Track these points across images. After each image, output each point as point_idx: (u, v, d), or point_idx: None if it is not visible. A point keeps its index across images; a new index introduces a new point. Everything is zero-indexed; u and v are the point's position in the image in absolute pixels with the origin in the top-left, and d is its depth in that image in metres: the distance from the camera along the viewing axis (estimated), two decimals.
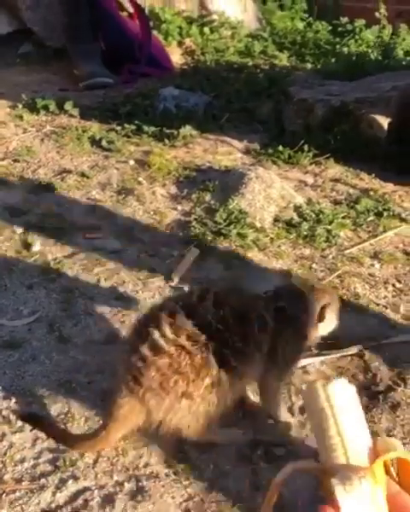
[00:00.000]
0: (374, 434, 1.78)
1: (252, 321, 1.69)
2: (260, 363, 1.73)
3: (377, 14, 5.02)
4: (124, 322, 2.19)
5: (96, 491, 1.64)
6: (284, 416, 1.86)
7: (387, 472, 0.81)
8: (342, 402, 0.81)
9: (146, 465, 1.71)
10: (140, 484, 1.66)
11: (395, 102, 3.61)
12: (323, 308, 1.80)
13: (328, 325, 1.84)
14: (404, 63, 4.44)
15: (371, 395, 1.98)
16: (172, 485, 1.67)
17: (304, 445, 1.80)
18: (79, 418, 1.83)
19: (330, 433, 0.80)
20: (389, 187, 3.25)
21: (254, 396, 1.91)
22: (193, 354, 1.63)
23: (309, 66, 4.92)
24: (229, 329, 1.65)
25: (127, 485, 1.66)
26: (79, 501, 1.61)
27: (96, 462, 1.71)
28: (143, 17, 4.58)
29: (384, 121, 3.59)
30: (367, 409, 1.92)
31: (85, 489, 1.64)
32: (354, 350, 2.14)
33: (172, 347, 1.63)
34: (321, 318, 1.80)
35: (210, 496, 1.64)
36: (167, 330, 1.64)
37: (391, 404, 1.94)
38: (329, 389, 0.82)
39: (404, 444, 1.81)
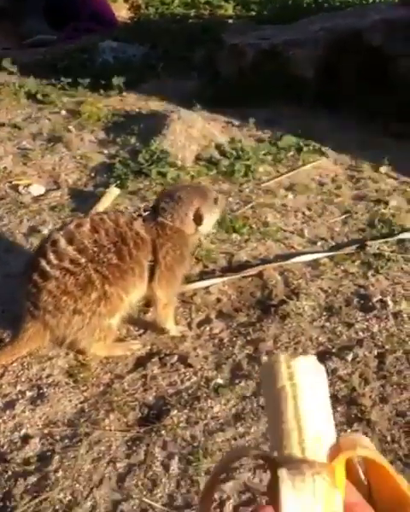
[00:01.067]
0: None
1: (127, 239, 1.85)
2: (142, 277, 1.89)
3: None
4: None
5: None
6: (176, 329, 2.02)
7: (349, 475, 0.68)
8: (307, 382, 0.68)
9: (48, 376, 1.89)
10: (41, 391, 1.84)
11: (324, 43, 3.69)
12: (197, 211, 1.94)
13: (207, 225, 2.00)
14: (338, 3, 4.50)
15: (265, 308, 2.14)
16: (71, 391, 1.84)
17: (195, 354, 1.97)
18: None
19: (286, 416, 0.67)
20: (315, 124, 3.36)
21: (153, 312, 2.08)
22: (76, 274, 1.80)
23: (254, 14, 4.97)
24: (104, 250, 1.82)
25: (29, 393, 1.83)
26: None
27: (2, 375, 1.89)
28: None
29: (312, 61, 3.68)
30: (259, 319, 2.09)
31: None
32: (254, 271, 2.30)
33: (57, 271, 1.81)
34: (198, 221, 1.95)
35: (104, 397, 1.82)
36: (52, 257, 1.81)
37: (281, 314, 2.10)
38: (294, 365, 0.69)
39: (287, 347, 1.98)
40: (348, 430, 1.73)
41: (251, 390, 1.84)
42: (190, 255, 2.07)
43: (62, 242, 1.83)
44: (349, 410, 1.78)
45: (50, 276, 1.82)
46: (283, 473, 0.61)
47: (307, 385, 0.67)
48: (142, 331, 2.05)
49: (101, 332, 1.87)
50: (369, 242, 2.43)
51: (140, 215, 1.92)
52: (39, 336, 1.90)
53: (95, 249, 1.83)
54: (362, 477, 0.68)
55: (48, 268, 1.82)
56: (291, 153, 3.08)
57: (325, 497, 0.61)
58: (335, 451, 0.65)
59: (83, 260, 1.82)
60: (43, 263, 1.83)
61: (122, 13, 5.09)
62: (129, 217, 1.93)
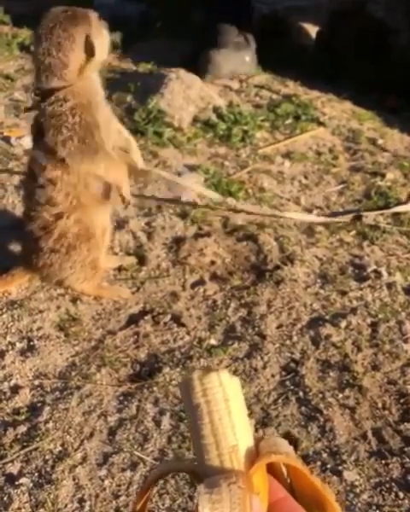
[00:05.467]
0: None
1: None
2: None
3: None
4: None
5: None
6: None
7: (275, 474, 0.74)
8: (220, 397, 0.72)
9: (39, 328, 1.85)
10: (31, 343, 1.81)
11: (326, 10, 3.64)
12: (87, 40, 1.66)
13: (101, 52, 1.70)
14: None
15: (260, 273, 2.13)
16: (62, 344, 1.82)
17: (188, 314, 1.95)
18: None
19: (203, 432, 0.71)
20: (313, 93, 3.32)
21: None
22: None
23: None
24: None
25: (19, 345, 1.80)
26: None
27: None
28: None
29: (313, 29, 3.63)
30: (253, 283, 2.08)
31: None
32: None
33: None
34: (90, 51, 1.67)
35: (96, 352, 1.79)
36: None
37: (276, 280, 2.09)
38: (206, 382, 0.72)
39: (281, 312, 1.97)
40: (340, 395, 1.73)
41: (244, 352, 1.83)
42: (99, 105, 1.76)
43: None
44: (341, 375, 1.78)
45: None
46: (200, 487, 0.66)
47: (220, 400, 0.70)
48: (135, 289, 2.03)
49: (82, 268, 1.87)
50: (364, 213, 2.42)
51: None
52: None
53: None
54: (285, 475, 0.73)
55: None
56: (289, 120, 3.05)
57: (241, 504, 0.65)
58: (254, 457, 0.70)
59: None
60: None
61: None
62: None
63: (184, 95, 2.92)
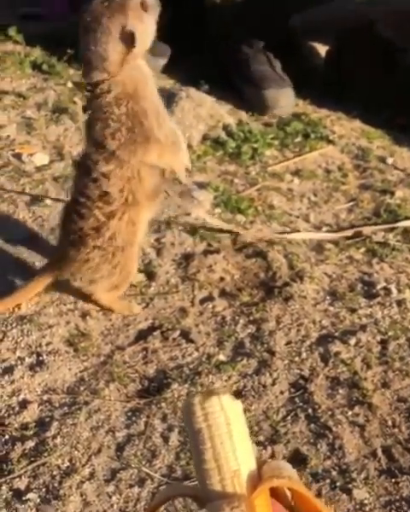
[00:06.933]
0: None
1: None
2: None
3: None
4: (43, 225, 2.31)
5: None
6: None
7: (279, 497, 0.74)
8: (221, 421, 0.71)
9: (48, 344, 1.86)
10: (40, 358, 1.81)
11: (336, 31, 3.67)
12: (123, 30, 1.62)
13: (143, 40, 1.66)
14: None
15: (269, 290, 2.13)
16: (71, 359, 1.82)
17: (197, 330, 1.95)
18: None
19: (205, 456, 0.70)
20: (323, 112, 3.34)
21: None
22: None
23: None
24: None
25: (28, 360, 1.80)
26: None
27: (1, 340, 1.85)
28: None
29: (323, 49, 3.66)
30: (262, 300, 2.08)
31: None
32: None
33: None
34: (128, 42, 1.62)
35: (104, 367, 1.79)
36: None
37: (285, 296, 2.09)
38: (207, 407, 0.72)
39: (290, 328, 1.97)
40: (350, 413, 1.72)
41: (253, 368, 1.83)
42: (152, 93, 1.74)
43: None
44: (351, 392, 1.78)
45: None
46: None
47: (221, 424, 0.71)
48: (144, 305, 2.03)
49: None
50: (372, 229, 2.42)
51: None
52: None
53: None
54: (290, 499, 0.73)
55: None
56: (298, 139, 3.06)
57: None
58: (257, 481, 0.70)
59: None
60: None
61: None
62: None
63: (194, 113, 2.94)
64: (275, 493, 0.73)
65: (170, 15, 3.44)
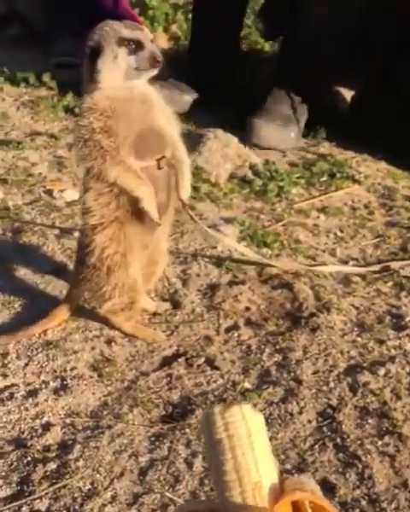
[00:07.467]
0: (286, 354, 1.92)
1: None
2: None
3: None
4: (71, 257, 2.33)
5: (22, 387, 1.77)
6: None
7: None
8: (242, 431, 0.70)
9: (73, 368, 1.85)
10: (64, 382, 1.80)
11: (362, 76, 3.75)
12: (92, 53, 1.80)
13: (110, 65, 1.75)
14: None
15: (295, 320, 2.11)
16: (95, 384, 1.80)
17: (222, 357, 1.93)
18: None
19: (225, 468, 0.68)
20: (348, 153, 3.38)
21: None
22: None
23: None
24: None
25: (52, 384, 1.79)
26: (6, 393, 1.75)
27: (26, 365, 1.85)
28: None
29: (348, 93, 3.73)
30: (288, 330, 2.06)
31: (13, 385, 1.78)
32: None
33: None
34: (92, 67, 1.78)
35: (128, 392, 1.77)
36: None
37: (312, 327, 2.06)
38: (228, 416, 0.70)
39: (317, 358, 1.94)
40: (380, 442, 1.67)
41: (279, 396, 1.79)
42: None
43: None
44: (380, 422, 1.73)
45: None
46: None
47: (243, 434, 0.69)
48: (169, 333, 2.02)
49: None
50: (400, 264, 2.40)
51: None
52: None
53: None
54: None
55: None
56: (324, 178, 3.09)
57: None
58: (278, 494, 0.67)
59: None
60: None
61: (162, 43, 5.20)
62: None
63: (221, 152, 3.00)
64: (297, 509, 0.71)
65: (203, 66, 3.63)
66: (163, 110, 1.86)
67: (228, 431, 0.70)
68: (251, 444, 0.70)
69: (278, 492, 0.69)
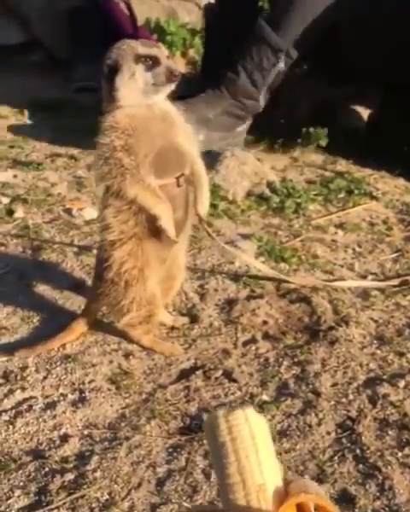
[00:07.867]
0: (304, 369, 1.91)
1: None
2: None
3: None
4: (89, 273, 2.35)
5: (40, 399, 1.78)
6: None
7: None
8: (246, 434, 0.70)
9: (91, 381, 1.85)
10: (83, 395, 1.80)
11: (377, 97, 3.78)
12: (110, 72, 1.80)
13: (129, 84, 1.78)
14: None
15: (313, 333, 2.10)
16: (113, 396, 1.81)
17: (240, 370, 1.92)
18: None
19: (229, 471, 0.68)
20: (366, 171, 3.39)
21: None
22: None
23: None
24: None
25: (71, 396, 1.80)
26: (24, 406, 1.75)
27: (45, 378, 1.86)
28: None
29: (365, 112, 3.76)
30: (307, 343, 2.05)
31: (31, 397, 1.79)
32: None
33: None
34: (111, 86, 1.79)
35: (146, 404, 1.77)
36: None
37: (330, 340, 2.05)
38: (231, 419, 0.71)
39: (336, 370, 1.92)
40: (400, 454, 1.64)
41: (297, 408, 1.78)
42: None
43: None
44: (401, 434, 1.70)
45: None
46: None
47: (246, 437, 0.69)
48: (187, 346, 2.02)
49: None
50: None
51: None
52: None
53: None
54: None
55: None
56: (342, 195, 3.10)
57: None
58: (282, 497, 0.67)
59: None
60: None
61: (180, 67, 5.29)
62: None
63: (238, 170, 3.02)
64: (301, 509, 0.70)
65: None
66: (183, 128, 1.89)
67: (232, 434, 0.70)
68: (255, 446, 0.70)
69: (282, 495, 0.69)
